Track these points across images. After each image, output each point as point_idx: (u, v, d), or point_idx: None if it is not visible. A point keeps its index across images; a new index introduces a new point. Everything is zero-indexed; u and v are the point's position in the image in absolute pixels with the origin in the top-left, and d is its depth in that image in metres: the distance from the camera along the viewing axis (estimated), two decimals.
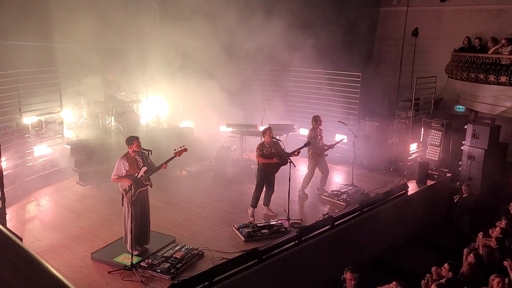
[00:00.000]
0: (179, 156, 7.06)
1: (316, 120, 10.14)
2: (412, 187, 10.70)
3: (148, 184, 7.09)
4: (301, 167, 11.71)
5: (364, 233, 8.91)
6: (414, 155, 12.38)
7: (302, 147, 8.88)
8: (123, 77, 12.79)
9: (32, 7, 11.32)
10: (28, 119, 10.57)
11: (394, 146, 12.65)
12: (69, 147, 10.80)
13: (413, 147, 12.47)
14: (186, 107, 14.21)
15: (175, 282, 6.20)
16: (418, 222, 10.59)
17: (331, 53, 13.63)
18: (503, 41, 13.18)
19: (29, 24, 11.02)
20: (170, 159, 6.97)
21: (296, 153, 8.62)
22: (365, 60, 16.27)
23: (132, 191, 6.79)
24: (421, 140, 12.31)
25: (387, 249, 9.45)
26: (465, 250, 7.82)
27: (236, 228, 8.19)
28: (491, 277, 6.22)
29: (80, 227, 8.30)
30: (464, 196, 10.61)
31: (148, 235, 7.31)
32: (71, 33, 11.25)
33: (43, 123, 10.94)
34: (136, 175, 6.83)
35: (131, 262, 6.66)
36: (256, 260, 6.79)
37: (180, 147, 7.04)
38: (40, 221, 8.59)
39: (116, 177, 6.90)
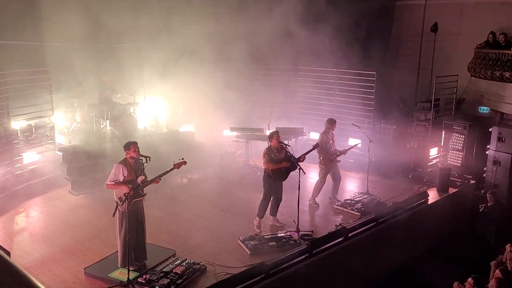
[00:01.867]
0: (178, 169, 7.07)
1: (332, 124, 10.12)
2: (433, 196, 10.62)
3: (143, 195, 7.09)
4: (311, 174, 11.65)
5: (380, 245, 8.84)
6: (434, 161, 12.30)
7: (309, 151, 8.85)
8: (119, 78, 12.83)
9: (21, 3, 11.39)
10: (17, 124, 10.62)
11: (413, 151, 12.58)
12: (61, 153, 10.84)
13: (433, 151, 12.40)
14: (186, 110, 14.24)
15: None
16: (440, 233, 10.50)
17: (343, 51, 13.60)
18: None
19: (17, 22, 11.10)
20: (167, 171, 6.97)
21: (301, 158, 8.55)
22: (381, 58, 16.19)
23: (128, 200, 6.77)
24: (442, 144, 12.24)
25: (406, 263, 9.38)
26: (493, 263, 7.73)
27: (241, 241, 8.15)
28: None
29: (72, 240, 8.30)
30: (489, 204, 10.52)
31: (145, 249, 7.29)
32: (63, 30, 11.31)
33: (33, 128, 11.00)
34: (134, 181, 6.82)
35: (128, 278, 6.64)
36: (262, 276, 6.75)
37: (180, 160, 7.03)
38: (29, 234, 8.60)
39: (112, 183, 6.89)
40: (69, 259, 7.60)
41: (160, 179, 6.97)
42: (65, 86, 12.03)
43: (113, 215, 6.89)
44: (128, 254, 6.80)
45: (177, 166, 7.02)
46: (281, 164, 8.58)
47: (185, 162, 7.05)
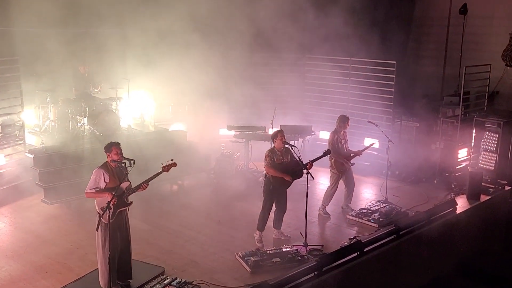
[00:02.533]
0: (167, 172, 7.08)
1: (344, 121, 10.13)
2: (462, 204, 10.63)
3: (129, 204, 7.11)
4: (321, 180, 11.67)
5: (401, 261, 8.86)
6: (463, 164, 12.30)
7: (319, 158, 8.80)
8: (98, 68, 12.86)
9: None
10: None
11: (439, 153, 12.58)
12: (32, 156, 10.86)
13: (462, 153, 12.40)
14: (177, 106, 14.26)
15: None
16: (470, 248, 10.51)
17: (358, 37, 13.63)
18: None
19: None
20: (155, 175, 6.98)
21: (308, 165, 8.45)
22: (401, 45, 16.21)
23: (111, 210, 6.81)
24: (473, 144, 12.23)
25: (431, 282, 9.39)
26: None
27: (240, 257, 8.18)
28: None
29: (46, 256, 8.32)
30: None
31: (130, 266, 7.32)
32: (35, 13, 11.30)
33: (0, 127, 11.02)
34: (117, 188, 6.84)
35: None
36: None
37: (169, 161, 7.07)
38: None
39: (93, 191, 6.92)
40: (42, 278, 7.62)
41: (148, 185, 6.99)
42: (37, 78, 12.05)
43: (97, 228, 6.88)
44: (111, 273, 6.82)
45: (166, 168, 7.05)
46: (284, 175, 8.56)
47: (175, 164, 7.07)
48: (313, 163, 8.56)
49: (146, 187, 7.01)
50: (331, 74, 14.03)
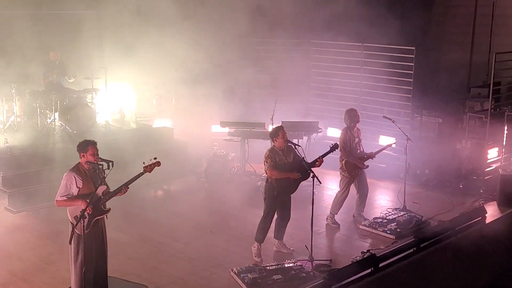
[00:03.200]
0: (150, 172, 7.07)
1: (351, 116, 10.11)
2: (492, 212, 10.63)
3: (107, 211, 7.09)
4: (329, 184, 11.66)
5: (421, 278, 8.85)
6: (494, 166, 12.30)
7: (327, 153, 8.83)
8: (72, 55, 12.84)
9: None
10: None
11: (465, 152, 12.59)
12: None
13: (492, 153, 12.40)
14: (162, 99, 14.24)
15: None
16: (501, 264, 10.50)
17: (372, 19, 13.63)
18: None
19: None
20: (136, 177, 6.96)
21: (317, 162, 8.58)
22: (422, 29, 16.22)
23: (86, 219, 6.78)
24: (504, 143, 12.23)
25: None
26: None
27: (235, 273, 8.16)
28: None
29: (10, 273, 8.28)
30: None
31: (107, 285, 7.29)
32: None
33: None
34: (93, 194, 6.82)
35: None
36: None
37: (151, 160, 7.05)
38: None
39: (64, 198, 6.89)
40: None
41: (128, 188, 6.97)
42: (0, 67, 12.04)
43: (70, 241, 6.85)
44: None
45: (149, 169, 7.03)
46: (290, 174, 8.58)
47: (158, 163, 7.07)
48: (323, 159, 8.63)
49: (126, 191, 6.99)
50: (341, 62, 14.04)
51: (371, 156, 10.18)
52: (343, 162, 10.03)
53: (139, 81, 13.78)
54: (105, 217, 7.11)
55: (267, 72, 14.50)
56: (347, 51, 13.96)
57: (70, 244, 6.88)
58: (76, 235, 6.83)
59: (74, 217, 6.78)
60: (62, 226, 8.30)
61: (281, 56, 14.89)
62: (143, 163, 7.05)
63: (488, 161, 12.35)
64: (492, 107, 12.42)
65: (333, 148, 8.98)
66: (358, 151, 10.17)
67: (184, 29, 12.78)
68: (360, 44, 13.80)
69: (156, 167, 7.08)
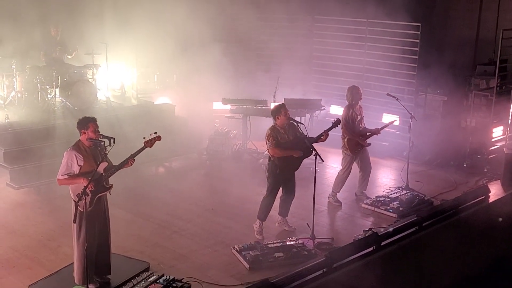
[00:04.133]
0: (150, 147, 7.11)
1: (353, 93, 10.11)
2: (496, 191, 10.67)
3: (109, 188, 7.15)
4: (331, 162, 11.69)
5: (424, 258, 8.91)
6: (498, 144, 12.30)
7: (330, 128, 8.85)
8: (72, 31, 12.80)
9: None
10: None
11: (470, 131, 12.59)
12: None
13: (497, 132, 12.39)
14: (164, 75, 14.22)
15: None
16: (505, 243, 10.55)
17: None
18: None
19: None
20: (137, 152, 7.01)
21: (323, 137, 8.62)
22: (427, 4, 16.11)
23: (89, 197, 6.85)
24: (510, 121, 12.22)
25: (459, 282, 9.44)
26: None
27: (237, 251, 8.24)
28: None
29: (12, 249, 8.38)
30: None
31: (110, 261, 7.38)
32: None
33: None
34: (94, 172, 6.87)
35: None
36: None
37: (151, 134, 7.09)
38: None
39: (65, 176, 6.94)
40: (9, 274, 7.68)
41: (134, 160, 7.02)
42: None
43: (74, 219, 6.88)
44: (87, 268, 6.89)
45: (149, 143, 7.06)
46: (293, 152, 8.59)
47: (159, 138, 7.10)
48: (328, 133, 8.69)
49: (133, 163, 7.04)
50: (345, 39, 13.98)
51: (376, 132, 10.17)
52: (345, 140, 10.03)
53: (141, 56, 13.74)
54: (108, 194, 7.18)
55: (269, 49, 14.44)
56: (350, 27, 13.88)
57: (74, 222, 6.93)
58: (79, 212, 6.89)
59: (76, 195, 6.82)
60: (63, 203, 8.39)
61: (284, 32, 14.81)
62: (144, 138, 7.08)
63: (493, 139, 12.33)
64: (498, 85, 12.37)
65: (336, 123, 9.00)
66: (361, 128, 10.18)
67: (187, 5, 12.72)
68: (365, 20, 13.72)
69: (156, 142, 7.12)
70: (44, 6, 12.15)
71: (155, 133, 7.11)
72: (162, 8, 12.73)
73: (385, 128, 10.48)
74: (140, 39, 13.04)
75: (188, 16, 12.86)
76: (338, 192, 10.31)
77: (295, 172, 8.95)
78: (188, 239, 8.82)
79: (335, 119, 9.11)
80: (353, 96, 10.09)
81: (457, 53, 16.16)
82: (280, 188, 8.99)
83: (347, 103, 10.18)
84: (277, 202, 9.05)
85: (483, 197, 10.23)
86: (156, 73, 14.22)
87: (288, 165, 8.73)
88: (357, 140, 10.01)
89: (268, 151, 8.83)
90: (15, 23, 11.78)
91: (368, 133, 10.18)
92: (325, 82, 14.70)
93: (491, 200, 10.33)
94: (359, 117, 10.14)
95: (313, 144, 8.56)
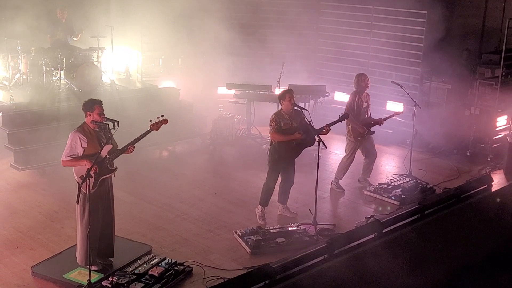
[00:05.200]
0: (157, 130, 7.11)
1: (359, 81, 10.06)
2: (499, 180, 10.66)
3: (113, 170, 7.16)
4: (335, 149, 11.69)
5: (426, 246, 8.92)
6: (502, 134, 12.27)
7: (336, 122, 8.84)
8: (78, 13, 12.76)
9: None
10: None
11: (474, 120, 12.56)
12: (0, 114, 10.89)
13: (501, 121, 12.35)
14: (168, 59, 14.19)
15: None
16: (507, 232, 10.56)
17: None
18: None
19: None
20: (143, 135, 7.00)
21: (324, 130, 8.55)
22: None
23: (93, 179, 6.86)
24: None
25: (459, 270, 9.46)
26: None
27: (239, 235, 8.27)
28: None
29: (16, 230, 8.42)
30: None
31: (112, 244, 7.42)
32: None
33: None
34: (98, 154, 6.88)
35: (89, 281, 6.76)
36: (267, 282, 6.85)
37: (158, 118, 7.08)
38: None
39: (69, 158, 6.95)
40: (12, 254, 7.72)
41: (134, 148, 7.02)
42: (4, 23, 11.97)
43: (77, 201, 6.93)
44: (90, 250, 6.92)
45: (156, 126, 7.05)
46: (293, 136, 8.58)
47: (165, 121, 7.09)
48: (330, 127, 8.61)
49: (132, 150, 7.04)
50: (350, 26, 13.92)
51: (379, 122, 10.15)
52: (349, 126, 10.00)
53: (146, 39, 13.71)
54: (112, 176, 7.19)
55: (274, 34, 14.37)
56: (355, 14, 13.83)
57: (77, 203, 6.97)
58: (83, 194, 6.91)
59: (80, 177, 6.83)
60: (67, 184, 8.41)
61: (290, 18, 14.73)
62: (150, 121, 7.06)
63: (497, 129, 12.29)
64: (503, 74, 12.31)
65: (342, 118, 8.96)
66: (366, 116, 10.15)
67: None
68: (370, 7, 13.64)
69: (163, 125, 7.12)
70: None
71: (162, 116, 7.10)
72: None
73: (391, 118, 10.46)
74: (145, 23, 12.98)
75: (194, 6, 12.84)
76: (341, 178, 10.32)
77: (297, 159, 8.94)
78: (191, 223, 8.85)
79: (342, 113, 9.08)
80: (359, 84, 10.05)
81: (463, 41, 16.09)
82: (280, 175, 9.00)
83: (354, 89, 10.15)
84: (277, 188, 9.07)
85: (486, 186, 10.22)
86: (161, 56, 14.18)
87: (288, 151, 8.72)
88: (357, 128, 9.95)
89: (269, 134, 8.86)
90: (21, 5, 11.73)
91: (372, 123, 10.15)
92: (330, 68, 14.65)
93: (493, 189, 10.32)
94: (365, 105, 10.09)
95: None
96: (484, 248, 10.17)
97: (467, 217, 9.61)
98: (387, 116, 10.43)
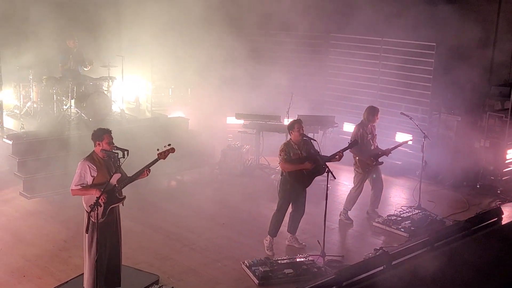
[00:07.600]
0: (164, 159, 7.15)
1: (372, 114, 10.08)
2: (509, 213, 10.60)
3: (122, 199, 7.19)
4: (343, 180, 11.68)
5: (436, 278, 8.85)
6: None
7: (346, 149, 8.89)
8: (89, 43, 12.92)
9: None
10: None
11: (483, 152, 12.54)
12: (11, 142, 10.96)
13: (511, 153, 12.34)
14: (178, 89, 14.29)
15: None
16: None
17: (392, 13, 13.55)
18: None
19: None
20: (151, 164, 7.05)
21: (337, 156, 8.63)
22: (443, 22, 16.11)
23: (102, 208, 6.88)
24: None
25: None
26: None
27: (246, 266, 8.25)
28: None
29: (23, 258, 8.43)
30: None
31: (119, 273, 7.40)
32: None
33: None
34: (107, 183, 6.91)
35: None
36: None
37: (165, 146, 7.14)
38: None
39: (79, 187, 6.99)
40: (19, 283, 7.72)
41: (150, 171, 7.08)
42: (17, 52, 12.13)
43: (86, 230, 6.91)
44: (97, 278, 6.92)
45: (163, 155, 7.10)
46: (303, 165, 8.62)
47: (172, 150, 7.13)
48: (343, 153, 8.69)
49: (148, 173, 7.10)
50: (359, 57, 14.01)
51: (386, 153, 10.16)
52: (357, 158, 10.03)
53: (156, 70, 13.83)
54: (120, 205, 7.21)
55: (284, 65, 14.49)
56: (365, 45, 13.92)
57: (87, 233, 6.96)
58: (91, 223, 6.92)
59: (89, 206, 6.85)
60: (76, 213, 8.42)
61: (299, 50, 14.87)
62: (157, 149, 7.12)
63: (507, 161, 12.28)
64: None
65: (353, 144, 9.04)
66: (372, 147, 10.16)
67: (201, 24, 12.81)
68: (380, 38, 13.76)
69: (170, 154, 7.16)
70: (62, 18, 12.27)
71: (169, 145, 7.16)
72: (179, 24, 12.82)
73: (398, 148, 10.47)
74: (158, 54, 13.12)
75: (204, 33, 12.97)
76: (350, 210, 10.31)
77: (307, 189, 8.96)
78: (198, 253, 8.84)
79: (353, 140, 9.14)
80: (369, 116, 10.09)
81: (472, 73, 16.13)
82: (290, 204, 9.00)
83: (360, 121, 10.18)
84: (287, 218, 9.06)
85: (496, 218, 10.16)
86: (170, 86, 14.30)
87: (299, 181, 8.75)
88: (363, 159, 9.96)
89: (279, 165, 8.90)
90: (33, 34, 11.90)
91: (380, 153, 10.16)
92: (338, 99, 14.72)
93: (504, 222, 10.25)
94: (369, 136, 10.09)
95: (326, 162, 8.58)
96: (496, 281, 10.08)
97: (477, 250, 9.52)
98: (394, 146, 10.43)
